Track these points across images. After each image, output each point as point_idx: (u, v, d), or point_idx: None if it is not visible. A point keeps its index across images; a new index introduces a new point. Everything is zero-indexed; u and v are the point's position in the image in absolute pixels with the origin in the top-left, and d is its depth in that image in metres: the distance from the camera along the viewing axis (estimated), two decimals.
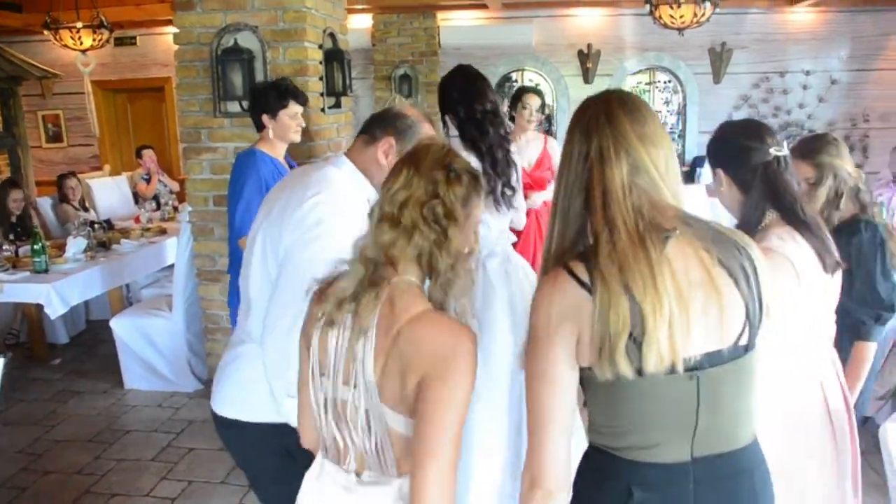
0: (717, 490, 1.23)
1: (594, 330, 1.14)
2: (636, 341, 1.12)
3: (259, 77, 3.78)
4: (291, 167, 3.26)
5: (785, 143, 1.78)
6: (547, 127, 8.87)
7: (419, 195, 1.30)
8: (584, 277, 1.15)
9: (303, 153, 3.85)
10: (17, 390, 4.44)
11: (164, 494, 3.25)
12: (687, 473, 1.21)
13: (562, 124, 8.39)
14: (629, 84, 8.47)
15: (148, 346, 4.30)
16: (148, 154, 7.07)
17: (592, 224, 1.20)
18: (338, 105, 4.22)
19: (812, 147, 2.25)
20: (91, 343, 5.22)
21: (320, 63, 3.94)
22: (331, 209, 1.64)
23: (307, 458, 1.47)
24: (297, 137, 3.18)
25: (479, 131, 2.58)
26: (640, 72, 8.42)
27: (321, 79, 3.96)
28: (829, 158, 2.20)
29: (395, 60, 8.20)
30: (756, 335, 1.22)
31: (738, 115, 8.06)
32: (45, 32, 6.75)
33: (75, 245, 4.68)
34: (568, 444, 1.21)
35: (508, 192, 2.59)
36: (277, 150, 3.18)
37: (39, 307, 4.34)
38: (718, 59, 7.90)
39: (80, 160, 9.14)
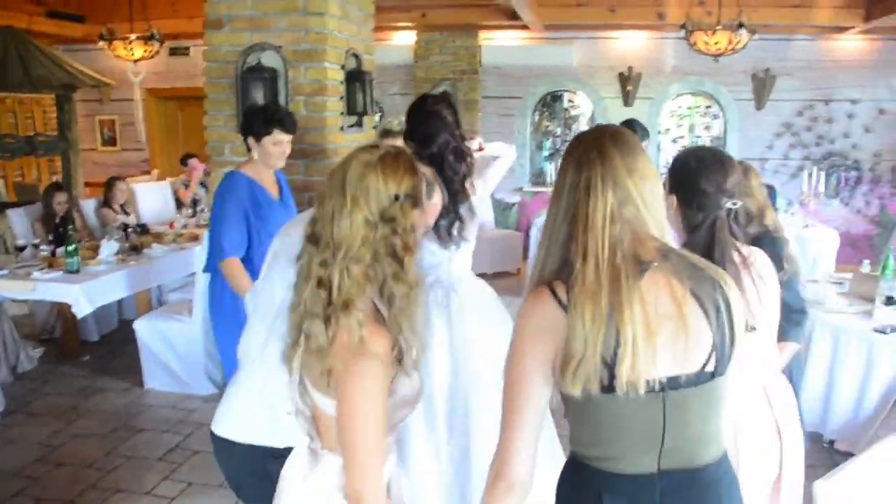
0: (684, 501, 1.30)
1: (563, 349, 1.23)
2: (605, 363, 1.20)
3: (281, 95, 3.91)
4: (280, 182, 3.33)
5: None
6: None
7: (366, 234, 1.39)
8: (564, 298, 1.24)
9: (320, 170, 3.96)
10: (46, 384, 4.66)
11: (163, 493, 3.37)
12: (654, 485, 1.28)
13: None
14: (669, 108, 8.39)
15: (167, 349, 4.47)
16: (192, 162, 7.32)
17: (571, 252, 1.28)
18: (359, 124, 4.32)
19: None
20: (119, 342, 5.43)
21: (341, 83, 4.05)
22: None
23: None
24: (279, 164, 3.19)
25: (435, 166, 2.51)
26: (680, 95, 8.33)
27: (341, 98, 4.06)
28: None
29: (436, 78, 8.32)
30: (725, 363, 1.29)
31: (780, 143, 7.92)
32: (100, 43, 7.11)
33: (108, 247, 4.90)
34: (534, 445, 1.32)
35: (455, 230, 2.54)
36: (260, 173, 3.20)
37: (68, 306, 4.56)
38: (761, 85, 7.77)
39: (131, 164, 9.53)
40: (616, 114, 8.26)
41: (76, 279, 4.42)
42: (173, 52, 8.99)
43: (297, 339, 1.43)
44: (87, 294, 4.33)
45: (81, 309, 4.30)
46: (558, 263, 1.30)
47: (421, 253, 2.41)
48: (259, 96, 3.85)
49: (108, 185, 6.43)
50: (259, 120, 3.09)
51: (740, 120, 7.96)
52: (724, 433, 1.36)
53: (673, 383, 1.24)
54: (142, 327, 4.53)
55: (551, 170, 8.89)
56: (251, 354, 1.89)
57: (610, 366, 1.20)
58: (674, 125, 8.68)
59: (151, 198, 7.31)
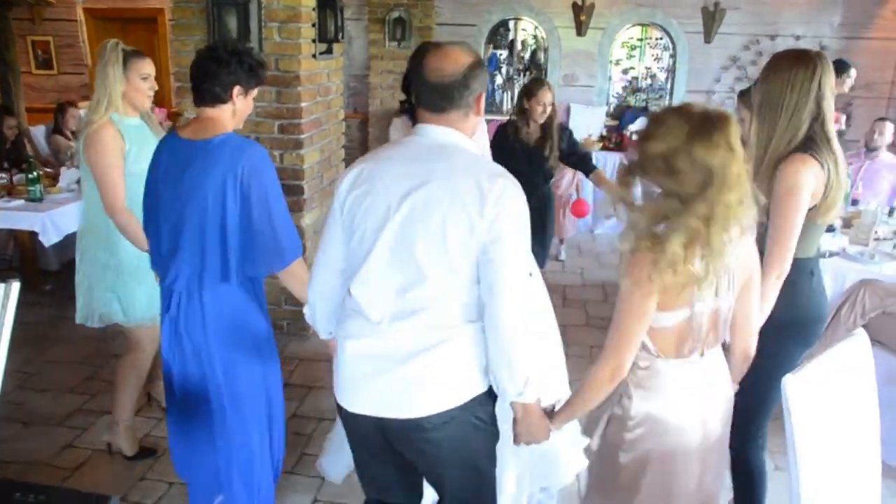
0: None
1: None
2: None
3: (253, 22, 3.86)
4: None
5: None
6: (539, 76, 8.93)
7: None
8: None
9: (291, 98, 3.97)
10: None
11: (154, 414, 3.49)
12: None
13: (552, 75, 8.45)
14: (621, 39, 8.51)
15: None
16: None
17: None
18: (329, 51, 4.31)
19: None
20: None
21: (313, 9, 4.02)
22: (514, 185, 1.71)
23: None
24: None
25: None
26: (632, 26, 8.45)
27: (314, 25, 4.04)
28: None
29: (389, 3, 8.17)
30: None
31: (727, 77, 8.16)
32: None
33: (69, 176, 4.81)
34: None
35: None
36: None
37: (32, 234, 4.50)
38: (711, 18, 7.94)
39: (70, 88, 9.12)
40: (568, 43, 8.35)
41: (40, 207, 4.36)
42: None
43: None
44: (53, 222, 4.29)
45: (49, 238, 4.27)
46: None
47: None
48: (232, 23, 3.81)
49: (59, 110, 6.20)
50: (252, 65, 2.29)
51: (690, 52, 8.16)
52: None
53: None
54: None
55: (506, 98, 8.96)
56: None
57: None
58: (624, 56, 8.83)
59: None
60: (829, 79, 2.14)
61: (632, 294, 1.71)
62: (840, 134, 2.65)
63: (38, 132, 6.29)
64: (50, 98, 8.96)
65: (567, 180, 6.28)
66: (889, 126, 5.13)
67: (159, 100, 8.02)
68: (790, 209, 2.11)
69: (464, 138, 1.77)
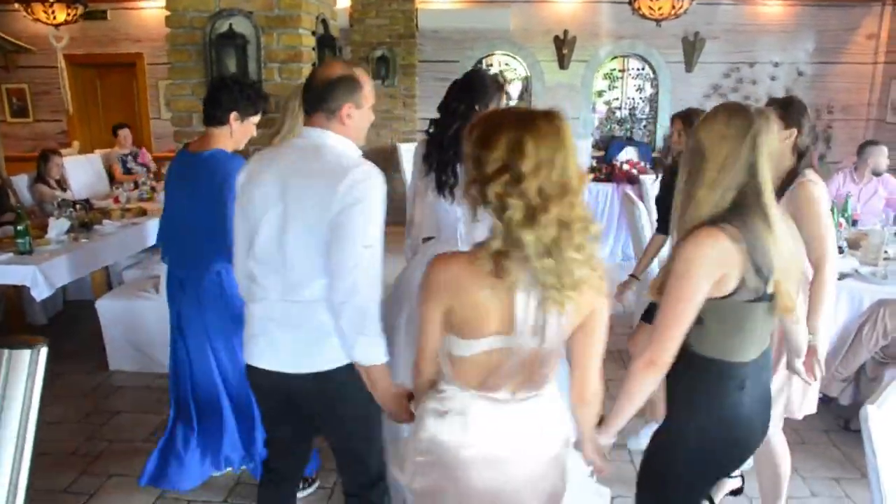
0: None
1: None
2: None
3: (252, 63, 3.79)
4: None
5: None
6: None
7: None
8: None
9: None
10: None
11: None
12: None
13: None
14: (603, 71, 8.61)
15: (135, 328, 4.32)
16: (123, 132, 6.98)
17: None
18: None
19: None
20: (70, 324, 5.19)
21: (313, 49, 3.97)
22: (370, 174, 1.91)
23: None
24: (242, 146, 2.92)
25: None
26: (614, 58, 8.56)
27: (314, 65, 3.98)
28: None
29: (372, 42, 8.20)
30: None
31: (709, 104, 8.24)
32: (17, 5, 6.62)
33: (58, 226, 4.64)
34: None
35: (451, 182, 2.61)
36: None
37: (18, 289, 4.32)
38: (691, 48, 8.08)
39: (47, 136, 8.97)
40: (552, 77, 8.43)
41: (30, 260, 4.18)
42: (89, 16, 8.41)
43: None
44: (45, 275, 4.11)
45: (41, 291, 4.08)
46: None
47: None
48: (231, 64, 3.74)
49: (43, 158, 6.03)
50: (251, 96, 2.81)
51: (672, 81, 8.27)
52: None
53: None
54: (105, 307, 4.35)
55: None
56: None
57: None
58: (606, 87, 8.92)
59: (82, 172, 6.92)
60: (768, 140, 1.74)
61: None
62: (821, 158, 2.65)
63: (21, 182, 6.10)
64: (25, 146, 8.80)
65: None
66: (885, 149, 5.23)
67: (139, 142, 7.93)
68: (675, 292, 1.73)
69: (335, 137, 1.98)
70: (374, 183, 1.90)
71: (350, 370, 1.98)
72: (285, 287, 1.97)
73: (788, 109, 2.53)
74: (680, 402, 1.85)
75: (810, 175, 2.52)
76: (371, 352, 1.93)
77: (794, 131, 2.55)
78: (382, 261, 1.95)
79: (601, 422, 1.85)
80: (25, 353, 1.56)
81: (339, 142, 1.99)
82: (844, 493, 3.18)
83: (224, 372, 2.99)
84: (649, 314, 2.79)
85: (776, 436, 2.63)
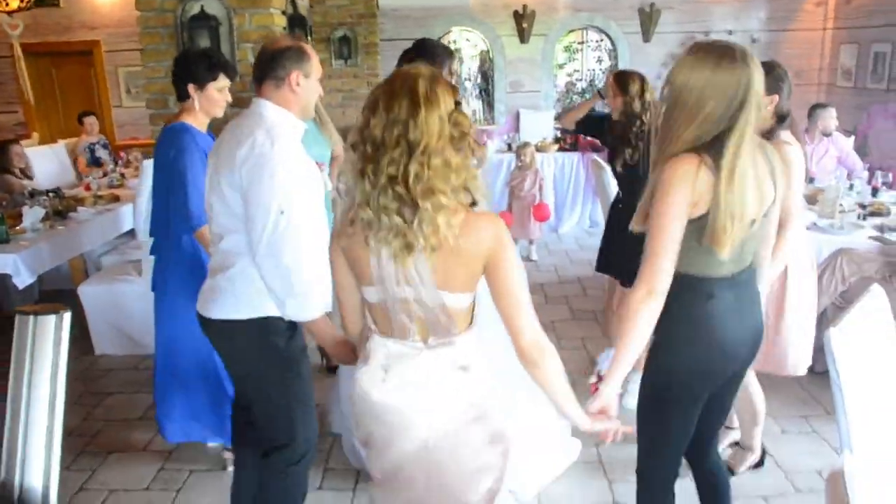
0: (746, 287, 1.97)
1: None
2: None
3: (225, 44, 3.84)
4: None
5: None
6: (484, 86, 9.08)
7: (441, 130, 1.57)
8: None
9: None
10: None
11: (161, 447, 3.38)
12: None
13: (498, 83, 8.62)
14: (563, 44, 8.74)
15: (119, 312, 4.36)
16: (89, 120, 6.91)
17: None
18: None
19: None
20: None
21: (284, 29, 4.02)
22: (268, 141, 1.99)
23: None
24: (220, 112, 2.94)
25: None
26: (573, 31, 8.70)
27: None
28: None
29: (333, 22, 8.18)
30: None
31: (666, 73, 8.46)
32: None
33: (32, 214, 4.63)
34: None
35: None
36: (202, 125, 2.94)
37: (2, 277, 4.32)
38: (648, 19, 8.25)
39: (3, 128, 8.78)
40: (512, 51, 8.53)
41: (9, 248, 4.19)
42: (40, 2, 8.23)
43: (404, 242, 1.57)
44: (25, 263, 4.12)
45: (23, 279, 4.10)
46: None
47: None
48: (205, 45, 3.77)
49: (2, 149, 5.96)
50: (203, 65, 2.84)
51: (630, 52, 8.44)
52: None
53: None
54: (88, 293, 4.38)
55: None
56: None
57: None
58: (567, 59, 9.07)
59: (47, 162, 6.84)
60: (757, 90, 1.79)
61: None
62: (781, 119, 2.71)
63: None
64: None
65: (529, 182, 6.39)
66: (833, 111, 5.49)
67: (102, 130, 7.83)
68: (660, 216, 1.78)
69: (273, 108, 2.09)
70: (277, 148, 1.97)
71: (241, 329, 2.13)
72: (213, 238, 2.20)
73: (770, 76, 2.41)
74: (661, 318, 1.86)
75: (786, 136, 2.65)
76: (301, 311, 2.06)
77: (776, 97, 2.62)
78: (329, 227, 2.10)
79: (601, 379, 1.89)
80: (51, 319, 1.63)
81: (275, 111, 2.09)
82: (811, 427, 3.42)
83: (196, 339, 2.87)
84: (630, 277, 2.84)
85: (750, 378, 2.85)
